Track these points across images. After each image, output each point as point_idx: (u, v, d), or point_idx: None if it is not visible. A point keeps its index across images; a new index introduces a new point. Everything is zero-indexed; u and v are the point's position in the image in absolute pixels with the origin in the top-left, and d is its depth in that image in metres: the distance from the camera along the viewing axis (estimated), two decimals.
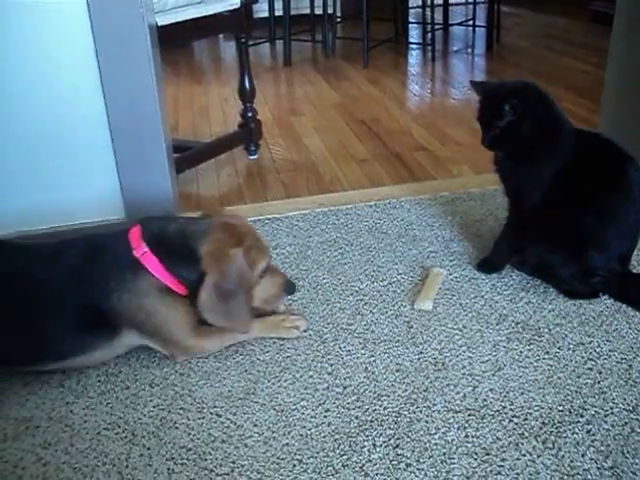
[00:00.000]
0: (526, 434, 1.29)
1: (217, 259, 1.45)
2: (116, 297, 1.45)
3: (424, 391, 1.41)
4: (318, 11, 5.16)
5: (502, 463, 1.23)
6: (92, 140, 1.86)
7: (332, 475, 1.22)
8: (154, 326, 1.49)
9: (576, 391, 1.40)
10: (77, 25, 1.71)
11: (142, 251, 1.47)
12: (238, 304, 1.49)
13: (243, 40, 2.79)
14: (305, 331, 1.63)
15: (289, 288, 1.63)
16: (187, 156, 2.65)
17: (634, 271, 1.77)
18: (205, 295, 1.44)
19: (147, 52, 1.75)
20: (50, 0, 1.67)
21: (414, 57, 5.03)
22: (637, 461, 1.22)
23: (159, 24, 2.16)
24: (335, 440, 1.30)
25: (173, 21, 2.28)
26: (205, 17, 2.47)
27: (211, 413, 1.39)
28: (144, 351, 1.57)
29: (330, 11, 5.07)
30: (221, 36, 5.72)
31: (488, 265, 1.85)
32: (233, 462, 1.26)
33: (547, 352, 1.52)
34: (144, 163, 1.87)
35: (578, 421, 1.32)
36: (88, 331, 1.48)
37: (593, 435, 1.28)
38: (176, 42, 2.56)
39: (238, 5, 2.60)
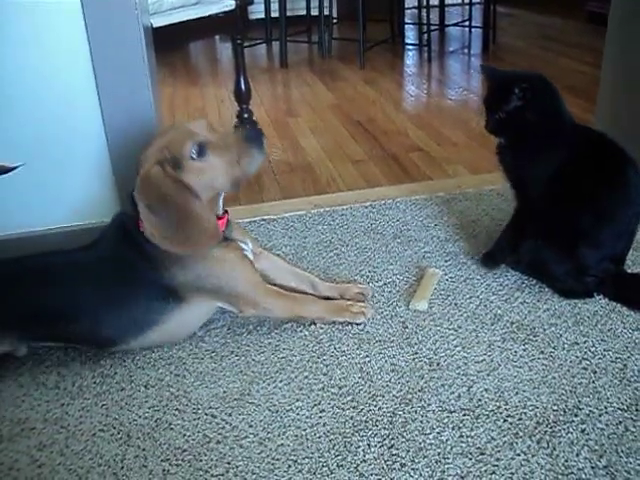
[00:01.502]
0: (521, 434, 1.30)
1: (139, 185, 1.43)
2: (164, 271, 1.49)
3: (419, 391, 1.41)
4: (314, 12, 5.17)
5: (497, 463, 1.23)
6: (87, 141, 1.85)
7: (327, 475, 1.22)
8: (209, 282, 1.52)
9: (571, 390, 1.40)
10: (72, 27, 1.70)
11: (143, 227, 1.47)
12: (185, 217, 1.44)
13: (239, 41, 2.79)
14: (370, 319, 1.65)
15: (251, 137, 1.52)
16: None
17: (629, 271, 1.77)
18: (146, 225, 1.43)
19: (142, 54, 1.75)
20: (44, 2, 1.67)
21: (410, 58, 5.04)
22: (631, 460, 1.23)
23: (155, 26, 2.17)
24: (330, 440, 1.30)
25: (169, 23, 2.29)
26: (200, 18, 2.48)
27: (206, 414, 1.39)
28: (140, 351, 1.57)
29: (326, 12, 5.06)
30: (217, 37, 5.71)
31: (490, 258, 1.86)
32: (228, 463, 1.26)
33: (542, 352, 1.52)
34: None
35: (572, 420, 1.32)
36: (156, 301, 1.51)
37: (587, 434, 1.29)
38: (172, 43, 2.57)
39: (233, 7, 2.61)
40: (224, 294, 1.55)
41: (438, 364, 1.49)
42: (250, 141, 1.51)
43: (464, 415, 1.35)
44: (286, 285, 1.72)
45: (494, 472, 1.21)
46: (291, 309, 1.61)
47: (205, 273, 1.52)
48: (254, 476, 1.23)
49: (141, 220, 1.46)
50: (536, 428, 1.31)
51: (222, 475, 1.24)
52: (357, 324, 1.63)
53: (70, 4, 1.68)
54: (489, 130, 1.70)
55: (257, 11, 5.50)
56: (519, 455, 1.25)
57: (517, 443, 1.27)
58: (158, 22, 2.20)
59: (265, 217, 2.20)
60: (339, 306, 1.65)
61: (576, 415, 1.33)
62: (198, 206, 1.46)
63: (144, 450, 1.31)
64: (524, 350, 1.53)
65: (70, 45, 1.73)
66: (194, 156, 1.45)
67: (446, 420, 1.33)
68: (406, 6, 5.63)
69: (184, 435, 1.34)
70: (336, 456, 1.26)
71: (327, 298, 1.71)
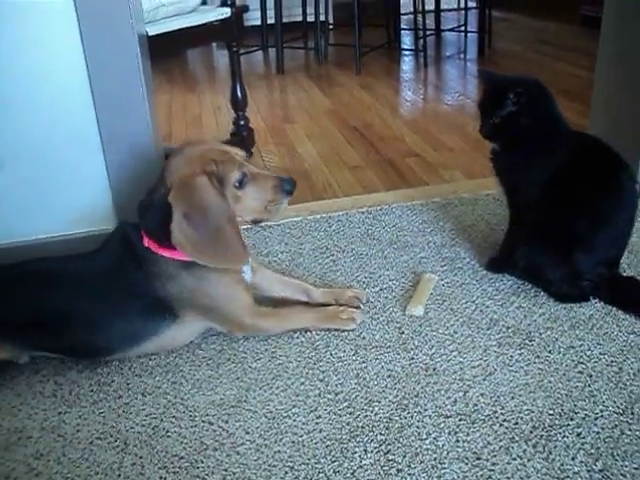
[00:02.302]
0: (517, 438, 1.30)
1: (180, 189, 1.42)
2: (160, 286, 1.50)
3: (415, 396, 1.42)
4: (310, 18, 5.18)
5: (493, 467, 1.23)
6: (83, 150, 1.86)
7: None
8: (201, 304, 1.54)
9: (566, 394, 1.40)
10: (67, 35, 1.71)
11: (146, 240, 1.50)
12: (220, 233, 1.45)
13: (234, 48, 2.80)
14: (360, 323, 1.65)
15: (285, 186, 1.55)
16: None
17: (624, 274, 1.77)
18: (177, 231, 1.41)
19: (137, 62, 1.76)
20: (39, 10, 1.68)
21: (406, 63, 5.05)
22: (627, 463, 1.23)
23: (150, 34, 2.18)
24: (326, 446, 1.30)
25: (164, 31, 2.29)
26: (196, 26, 2.49)
27: (203, 421, 1.39)
28: (136, 359, 1.58)
29: (322, 18, 5.08)
30: (214, 44, 5.73)
31: (495, 265, 1.86)
32: (225, 470, 1.27)
33: (538, 356, 1.52)
34: (135, 173, 1.87)
35: (568, 424, 1.32)
36: (151, 316, 1.53)
37: (583, 438, 1.29)
38: (168, 51, 2.58)
39: (229, 14, 2.62)
40: (215, 315, 1.57)
41: (434, 369, 1.50)
42: (284, 191, 1.55)
43: (460, 420, 1.35)
44: (280, 296, 1.74)
45: (490, 477, 1.22)
46: (280, 325, 1.63)
47: (200, 293, 1.53)
48: None
49: (144, 232, 1.49)
50: (532, 432, 1.31)
51: None
52: (348, 330, 1.63)
53: (65, 13, 1.69)
54: (483, 135, 1.71)
55: (253, 18, 5.52)
56: (515, 459, 1.25)
57: (513, 447, 1.28)
58: (154, 30, 2.21)
59: (261, 223, 2.20)
60: (329, 313, 1.65)
61: (572, 419, 1.34)
62: (236, 225, 1.48)
63: (141, 458, 1.31)
64: (520, 354, 1.53)
65: (65, 54, 1.74)
66: (237, 184, 1.49)
67: (442, 425, 1.34)
68: (402, 11, 5.63)
69: (181, 442, 1.34)
70: (332, 462, 1.26)
71: (323, 305, 1.71)
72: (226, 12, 2.60)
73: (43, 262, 1.58)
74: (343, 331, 1.63)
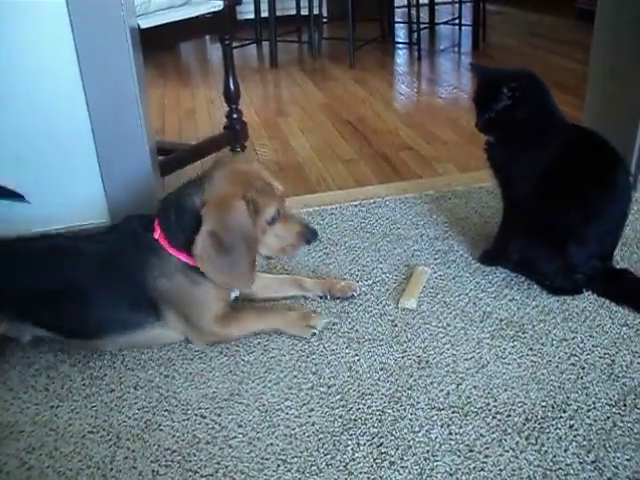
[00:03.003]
0: (509, 430, 1.30)
1: (216, 207, 1.43)
2: (151, 279, 1.51)
3: (408, 389, 1.42)
4: (304, 12, 5.17)
5: (485, 460, 1.24)
6: (75, 144, 1.85)
7: (316, 474, 1.22)
8: (183, 308, 1.54)
9: (559, 387, 1.40)
10: (58, 29, 1.70)
11: (158, 234, 1.51)
12: (239, 257, 1.46)
13: (227, 42, 2.79)
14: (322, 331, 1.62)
15: (308, 235, 1.58)
16: (173, 158, 2.65)
17: (617, 267, 1.77)
18: (200, 243, 1.43)
19: (129, 55, 1.75)
20: (29, 3, 1.67)
21: (401, 56, 5.05)
22: (619, 455, 1.23)
23: (142, 27, 2.16)
24: (319, 439, 1.30)
25: (156, 24, 2.28)
26: (188, 19, 2.47)
27: (196, 415, 1.39)
28: (129, 353, 1.57)
29: (316, 12, 5.07)
30: (208, 38, 5.71)
31: (489, 257, 1.87)
32: (217, 463, 1.26)
33: (531, 348, 1.52)
34: (128, 166, 1.87)
35: (561, 416, 1.32)
36: (138, 308, 1.53)
37: (576, 430, 1.29)
38: (160, 44, 2.57)
39: (221, 7, 2.60)
40: (187, 320, 1.56)
41: (427, 362, 1.50)
42: (306, 239, 1.58)
43: (453, 412, 1.35)
44: (273, 296, 1.75)
45: (483, 469, 1.22)
46: (246, 330, 1.60)
47: (184, 296, 1.53)
48: (243, 476, 1.23)
49: (160, 226, 1.50)
50: (525, 424, 1.31)
51: (211, 475, 1.24)
52: (305, 338, 1.60)
53: (56, 6, 1.68)
54: (479, 129, 1.70)
55: (247, 11, 5.50)
56: (508, 451, 1.25)
57: (506, 440, 1.28)
58: (145, 23, 2.19)
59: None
60: (292, 319, 1.62)
61: (564, 411, 1.34)
62: (255, 253, 1.51)
63: (133, 451, 1.30)
64: (513, 347, 1.53)
65: (56, 48, 1.73)
66: (269, 219, 1.51)
67: (435, 418, 1.34)
68: (396, 5, 5.62)
69: (173, 436, 1.34)
70: (325, 455, 1.26)
71: (320, 296, 1.74)
72: (218, 5, 2.59)
73: (50, 238, 1.61)
74: (303, 338, 1.60)
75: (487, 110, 1.65)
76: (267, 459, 1.26)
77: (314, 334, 1.60)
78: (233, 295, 1.64)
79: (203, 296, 1.54)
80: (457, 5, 5.53)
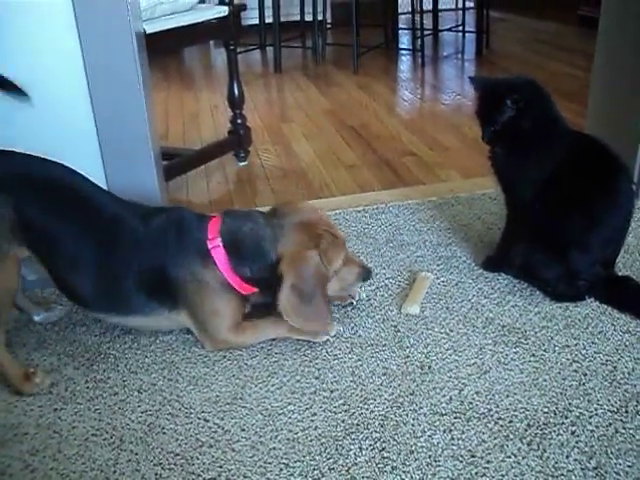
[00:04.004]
0: (511, 436, 1.30)
1: (294, 262, 1.50)
2: (182, 272, 1.53)
3: (410, 394, 1.42)
4: (308, 18, 5.18)
5: (487, 465, 1.24)
6: (80, 148, 1.86)
7: (319, 479, 1.23)
8: (202, 314, 1.56)
9: (561, 393, 1.41)
10: (64, 33, 1.71)
11: (215, 244, 1.53)
12: (318, 304, 1.53)
13: (232, 47, 2.80)
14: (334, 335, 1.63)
15: (365, 276, 1.66)
16: (177, 163, 2.67)
17: (619, 274, 1.78)
18: (284, 298, 1.49)
19: (134, 59, 1.76)
20: (36, 8, 1.68)
21: (404, 63, 5.06)
22: (621, 461, 1.23)
23: (148, 32, 2.18)
24: (322, 444, 1.30)
25: (161, 29, 2.29)
26: (193, 25, 2.48)
27: (199, 418, 1.39)
28: (133, 356, 1.58)
29: (320, 18, 5.08)
30: (212, 43, 5.73)
31: (492, 263, 1.87)
32: (220, 467, 1.27)
33: (533, 355, 1.53)
34: (133, 171, 1.87)
35: (563, 422, 1.33)
36: (153, 293, 1.55)
37: (577, 436, 1.29)
38: (165, 49, 2.58)
39: (226, 13, 2.61)
40: (200, 323, 1.58)
41: (429, 367, 1.50)
42: (362, 279, 1.67)
43: (455, 418, 1.35)
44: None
45: (485, 474, 1.22)
46: (253, 338, 1.61)
47: (206, 301, 1.55)
48: (246, 479, 1.24)
49: (228, 251, 1.53)
50: (527, 430, 1.31)
51: (214, 479, 1.24)
52: (309, 343, 1.61)
53: (63, 11, 1.68)
54: (486, 142, 1.71)
55: (251, 17, 5.51)
56: (510, 457, 1.25)
57: (508, 445, 1.28)
58: (151, 28, 2.21)
59: None
60: None
61: (566, 417, 1.34)
62: (327, 298, 1.57)
63: (137, 454, 1.31)
64: (515, 353, 1.53)
65: (63, 52, 1.73)
66: (337, 268, 1.58)
67: (437, 423, 1.34)
68: (400, 11, 5.64)
69: (177, 439, 1.34)
70: (327, 459, 1.27)
71: None
72: (224, 10, 2.60)
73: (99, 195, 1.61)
74: (314, 343, 1.61)
75: (492, 123, 1.65)
76: (270, 463, 1.27)
77: (327, 340, 1.61)
78: (249, 307, 1.66)
79: (224, 308, 1.57)
80: (460, 12, 5.55)
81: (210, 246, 1.53)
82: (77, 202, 1.56)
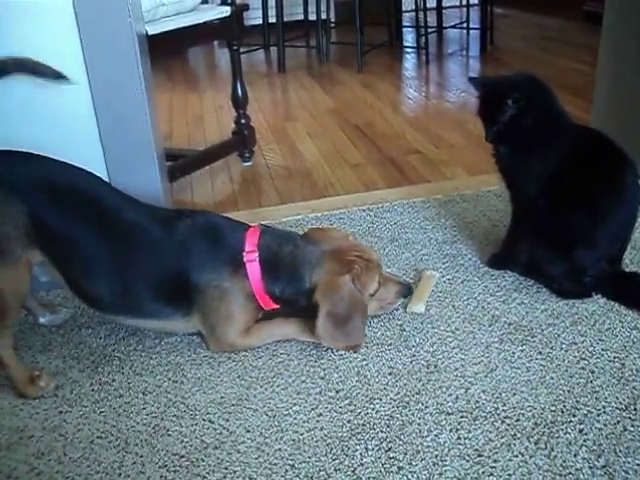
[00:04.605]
0: (518, 435, 1.29)
1: (328, 290, 1.51)
2: (207, 277, 1.53)
3: (416, 394, 1.41)
4: (312, 17, 5.18)
5: (494, 464, 1.23)
6: (83, 150, 1.85)
7: (324, 479, 1.22)
8: (217, 318, 1.55)
9: (569, 391, 1.40)
10: (65, 35, 1.71)
11: (251, 257, 1.53)
12: (353, 327, 1.53)
13: (235, 47, 2.80)
14: None
15: (405, 292, 1.66)
16: (181, 164, 2.66)
17: (627, 270, 1.76)
18: (320, 326, 1.50)
19: (136, 61, 1.75)
20: (37, 10, 1.67)
21: (408, 61, 5.05)
22: (630, 460, 1.22)
23: (150, 33, 2.17)
24: (327, 444, 1.30)
25: (164, 30, 2.29)
26: (196, 25, 2.48)
27: (204, 420, 1.39)
28: (137, 358, 1.58)
29: (324, 16, 5.08)
30: (216, 43, 5.73)
31: (497, 261, 1.86)
32: (226, 468, 1.26)
33: (540, 352, 1.52)
34: (135, 172, 1.87)
35: (570, 421, 1.32)
36: (170, 299, 1.55)
37: (585, 434, 1.28)
38: (168, 50, 2.57)
39: (229, 13, 2.61)
40: (212, 325, 1.57)
41: (436, 366, 1.49)
42: (403, 295, 1.66)
43: (462, 417, 1.34)
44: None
45: (492, 474, 1.21)
46: (260, 340, 1.61)
47: (223, 305, 1.55)
48: None
49: (265, 270, 1.54)
50: (534, 429, 1.30)
51: None
52: (316, 344, 1.60)
53: (64, 13, 1.68)
54: (490, 142, 1.70)
55: (255, 17, 5.51)
56: (517, 456, 1.24)
57: (515, 444, 1.27)
58: (153, 30, 2.20)
59: (263, 222, 2.19)
60: (309, 326, 1.60)
61: (574, 415, 1.33)
62: (365, 318, 1.57)
63: (142, 457, 1.31)
64: (522, 351, 1.52)
65: (64, 54, 1.73)
66: (372, 292, 1.58)
67: (444, 422, 1.33)
68: (404, 9, 5.63)
69: (182, 441, 1.34)
70: (333, 460, 1.26)
71: None
72: (226, 11, 2.60)
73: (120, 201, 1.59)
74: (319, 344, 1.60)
75: (494, 123, 1.65)
76: (275, 464, 1.26)
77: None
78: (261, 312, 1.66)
79: (241, 316, 1.57)
80: (464, 9, 5.53)
81: (246, 258, 1.53)
82: (95, 206, 1.54)
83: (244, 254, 1.53)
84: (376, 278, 1.59)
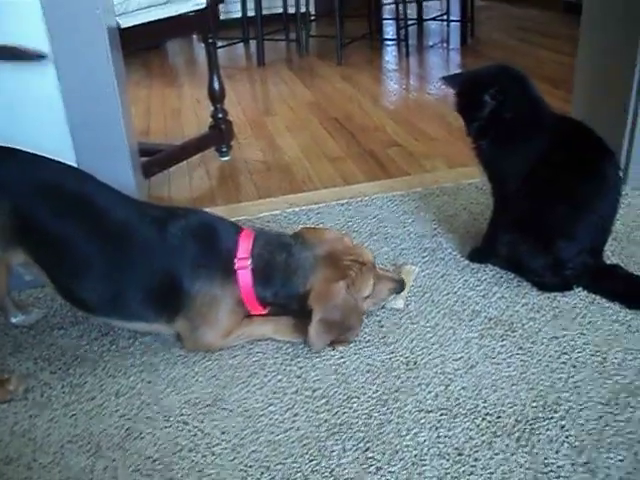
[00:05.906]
0: (499, 432, 1.27)
1: (322, 297, 1.48)
2: (198, 286, 1.49)
3: (395, 391, 1.39)
4: (292, 10, 5.13)
5: (475, 463, 1.21)
6: (53, 145, 1.80)
7: None
8: (201, 321, 1.52)
9: (550, 386, 1.38)
10: (32, 29, 1.66)
11: (243, 264, 1.50)
12: (347, 330, 1.53)
13: (211, 40, 2.76)
14: None
15: (398, 289, 1.63)
16: (158, 159, 2.62)
17: (607, 262, 1.74)
18: (313, 331, 1.48)
19: (106, 55, 1.71)
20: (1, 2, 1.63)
21: (389, 53, 5.02)
22: (612, 455, 1.20)
23: (122, 26, 2.13)
24: (304, 445, 1.27)
25: (137, 23, 2.24)
26: (170, 18, 2.44)
27: (178, 421, 1.35)
28: (111, 359, 1.54)
29: (303, 9, 5.04)
30: (195, 37, 5.68)
31: (478, 255, 1.84)
32: (200, 471, 1.23)
33: (520, 347, 1.49)
34: (107, 168, 1.82)
35: (552, 417, 1.29)
36: (159, 302, 1.51)
37: (567, 430, 1.26)
38: (142, 43, 2.53)
39: (204, 5, 2.57)
40: (195, 326, 1.53)
41: (415, 363, 1.47)
42: (395, 292, 1.63)
43: (441, 415, 1.32)
44: None
45: (472, 473, 1.19)
46: (237, 340, 1.57)
47: (212, 309, 1.52)
48: None
49: (255, 275, 1.50)
50: (515, 426, 1.28)
51: None
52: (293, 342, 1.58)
53: (30, 6, 1.64)
54: (472, 138, 1.68)
55: (234, 10, 5.47)
56: (498, 454, 1.22)
57: (496, 442, 1.25)
58: (126, 22, 2.16)
59: (241, 218, 2.16)
60: (285, 326, 1.59)
61: (555, 411, 1.31)
62: (361, 317, 1.57)
63: (114, 461, 1.27)
64: (502, 346, 1.50)
65: (30, 45, 1.69)
66: (366, 294, 1.56)
67: (423, 420, 1.31)
68: (384, 2, 5.60)
69: (155, 444, 1.30)
70: (310, 461, 1.23)
71: None
72: (201, 3, 2.55)
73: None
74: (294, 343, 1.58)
75: (474, 119, 1.63)
76: (251, 466, 1.23)
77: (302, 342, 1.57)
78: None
79: (226, 321, 1.54)
80: (445, 1, 5.50)
81: (237, 266, 1.50)
82: (83, 205, 1.49)
83: (236, 261, 1.50)
84: (371, 281, 1.56)
